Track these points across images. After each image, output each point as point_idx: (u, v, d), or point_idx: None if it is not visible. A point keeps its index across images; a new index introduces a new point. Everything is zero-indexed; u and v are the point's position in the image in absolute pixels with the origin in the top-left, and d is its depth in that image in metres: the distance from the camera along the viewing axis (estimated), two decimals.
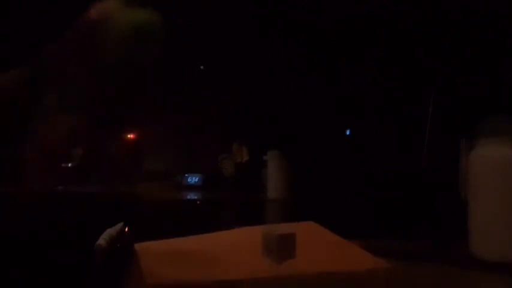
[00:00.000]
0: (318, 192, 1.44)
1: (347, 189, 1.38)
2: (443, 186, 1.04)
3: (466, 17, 1.18)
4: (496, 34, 1.13)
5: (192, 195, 1.83)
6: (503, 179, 0.63)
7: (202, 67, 2.03)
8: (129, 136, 2.11)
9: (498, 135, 0.65)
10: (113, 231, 0.62)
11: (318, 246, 0.66)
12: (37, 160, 0.48)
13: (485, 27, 1.15)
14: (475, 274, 0.61)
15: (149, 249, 0.65)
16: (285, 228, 0.61)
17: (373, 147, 1.39)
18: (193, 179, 2.12)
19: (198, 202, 1.67)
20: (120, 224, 0.66)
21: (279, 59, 1.66)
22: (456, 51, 1.21)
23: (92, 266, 0.57)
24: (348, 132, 1.56)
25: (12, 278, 0.61)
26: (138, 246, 0.66)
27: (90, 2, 0.50)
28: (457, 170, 0.97)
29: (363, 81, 1.44)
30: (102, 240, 0.58)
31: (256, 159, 1.80)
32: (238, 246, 0.68)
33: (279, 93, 1.70)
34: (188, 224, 1.03)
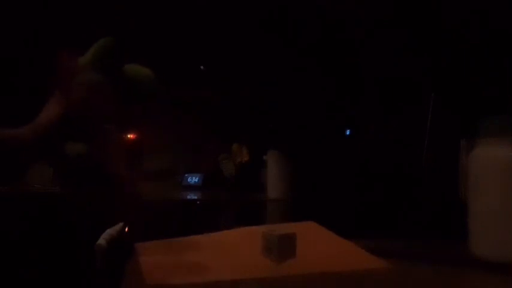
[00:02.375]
0: (318, 192, 1.44)
1: (347, 189, 1.38)
2: (443, 186, 1.04)
3: (466, 16, 1.18)
4: (497, 34, 1.13)
5: (192, 195, 1.83)
6: (503, 179, 0.63)
7: (202, 67, 2.03)
8: (129, 136, 2.11)
9: (498, 135, 0.65)
10: (113, 231, 0.62)
11: (318, 246, 0.66)
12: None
13: (485, 27, 1.15)
14: (475, 274, 0.61)
15: (149, 249, 0.66)
16: (285, 228, 0.61)
17: (373, 147, 1.39)
18: (193, 179, 2.12)
19: (198, 202, 1.67)
20: (120, 224, 0.66)
21: (279, 59, 1.66)
22: (456, 50, 1.21)
23: (92, 266, 0.57)
24: (348, 132, 1.56)
25: (11, 278, 0.61)
26: (138, 246, 0.67)
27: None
28: (457, 170, 0.97)
29: (362, 81, 1.44)
30: (102, 240, 0.58)
31: (256, 159, 1.80)
32: (238, 246, 0.68)
33: (279, 94, 1.70)
34: (188, 224, 1.03)
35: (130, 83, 0.50)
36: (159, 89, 0.54)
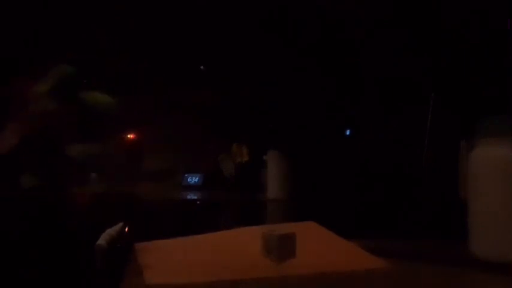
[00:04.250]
0: (318, 192, 1.44)
1: (347, 189, 1.38)
2: (443, 186, 1.04)
3: (466, 16, 1.18)
4: (497, 34, 1.13)
5: (192, 195, 1.83)
6: (503, 179, 0.63)
7: (202, 67, 2.03)
8: (129, 136, 2.11)
9: (498, 135, 0.65)
10: (113, 231, 0.62)
11: (318, 246, 0.66)
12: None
13: (485, 27, 1.15)
14: (475, 274, 0.61)
15: (149, 249, 0.65)
16: (285, 228, 0.61)
17: (373, 147, 1.39)
18: (193, 179, 2.12)
19: (198, 202, 1.67)
20: (120, 224, 0.66)
21: (279, 59, 1.66)
22: (456, 50, 1.21)
23: (92, 266, 0.57)
24: (348, 132, 1.56)
25: (12, 277, 0.61)
26: (138, 246, 0.66)
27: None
28: (457, 170, 0.97)
29: (362, 81, 1.44)
30: (102, 240, 0.58)
31: (256, 159, 1.80)
32: (238, 246, 0.68)
33: (279, 94, 1.70)
34: (188, 224, 1.03)
35: (88, 111, 0.51)
36: (117, 115, 0.55)
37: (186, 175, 2.15)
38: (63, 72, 0.50)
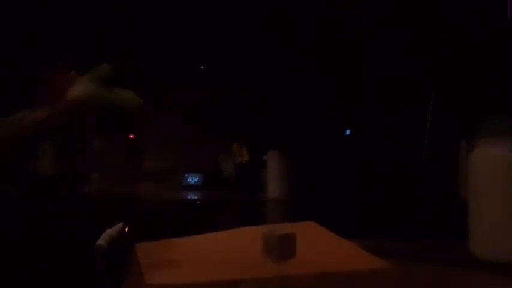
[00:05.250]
0: (318, 192, 1.44)
1: (347, 189, 1.38)
2: (443, 186, 1.04)
3: (466, 16, 1.18)
4: (497, 34, 1.13)
5: (192, 195, 1.83)
6: (503, 179, 0.63)
7: (202, 67, 2.03)
8: (129, 136, 2.11)
9: (498, 135, 0.65)
10: (113, 231, 0.62)
11: (318, 246, 0.66)
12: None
13: (485, 27, 1.15)
14: (475, 274, 0.61)
15: (149, 249, 0.65)
16: (285, 228, 0.61)
17: (373, 147, 1.39)
18: (193, 179, 2.12)
19: (198, 202, 1.67)
20: (120, 224, 0.66)
21: (279, 59, 1.66)
22: (456, 50, 1.21)
23: (92, 266, 0.57)
24: (348, 132, 1.56)
25: (12, 277, 0.61)
26: (138, 246, 0.66)
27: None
28: (457, 170, 0.97)
29: (362, 81, 1.44)
30: (102, 240, 0.58)
31: (256, 159, 1.80)
32: (238, 246, 0.68)
33: (279, 94, 1.70)
34: (188, 224, 1.03)
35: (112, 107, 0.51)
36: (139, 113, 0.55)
37: (186, 175, 2.15)
38: (103, 73, 0.50)
